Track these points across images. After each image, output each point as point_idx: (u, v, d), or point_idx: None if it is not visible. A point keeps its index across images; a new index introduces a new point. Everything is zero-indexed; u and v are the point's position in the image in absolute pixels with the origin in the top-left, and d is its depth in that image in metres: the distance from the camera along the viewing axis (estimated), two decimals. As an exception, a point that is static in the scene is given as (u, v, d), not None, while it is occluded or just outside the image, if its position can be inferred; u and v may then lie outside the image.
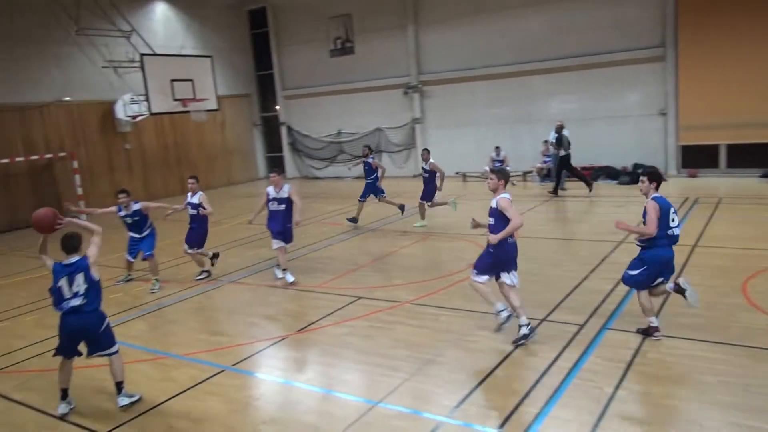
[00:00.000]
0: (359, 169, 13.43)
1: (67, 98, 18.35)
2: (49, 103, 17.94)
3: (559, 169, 15.71)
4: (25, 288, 10.44)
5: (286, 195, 9.18)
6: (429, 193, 12.68)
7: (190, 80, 15.30)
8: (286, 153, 24.86)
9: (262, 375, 6.23)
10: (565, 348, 6.11)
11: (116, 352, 5.66)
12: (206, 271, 10.08)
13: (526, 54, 18.77)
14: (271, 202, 9.26)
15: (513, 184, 17.30)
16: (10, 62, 16.97)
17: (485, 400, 5.24)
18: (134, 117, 19.01)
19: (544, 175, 17.81)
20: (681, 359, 5.70)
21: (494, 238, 6.12)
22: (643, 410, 4.94)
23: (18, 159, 16.81)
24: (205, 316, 8.21)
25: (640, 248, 6.23)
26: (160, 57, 15.68)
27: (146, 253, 9.67)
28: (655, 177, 6.12)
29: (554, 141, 15.54)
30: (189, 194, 9.91)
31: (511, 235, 6.26)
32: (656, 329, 6.17)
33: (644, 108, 17.41)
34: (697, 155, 17.02)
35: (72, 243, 5.50)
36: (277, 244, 9.33)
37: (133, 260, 9.93)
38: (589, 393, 5.18)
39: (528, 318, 6.33)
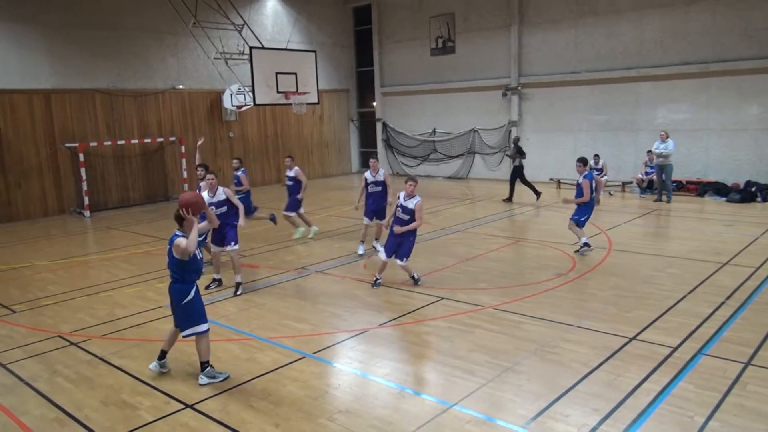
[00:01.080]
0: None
1: (180, 86, 19.53)
2: (164, 90, 19.16)
3: (513, 178, 16.57)
4: (129, 261, 11.20)
5: (382, 178, 10.69)
6: (293, 203, 11.91)
7: (294, 74, 15.75)
8: (380, 149, 25.13)
9: (341, 365, 6.34)
10: (654, 370, 5.80)
11: (200, 333, 5.89)
12: (218, 280, 9.32)
13: (635, 59, 17.92)
14: (370, 185, 10.70)
15: (610, 194, 16.57)
16: (133, 51, 18.30)
17: (564, 414, 5.06)
18: (239, 107, 19.97)
19: (645, 187, 16.96)
20: (785, 395, 5.26)
21: (400, 230, 8.54)
22: (738, 445, 4.59)
23: (133, 141, 18.12)
24: (291, 303, 8.47)
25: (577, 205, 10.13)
26: (267, 50, 16.26)
27: None
28: (585, 162, 10.06)
29: (510, 151, 17.00)
30: (207, 191, 9.01)
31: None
32: (587, 245, 10.08)
33: (765, 122, 16.15)
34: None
35: (176, 217, 5.85)
36: (367, 221, 10.85)
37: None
38: (678, 420, 4.89)
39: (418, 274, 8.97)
